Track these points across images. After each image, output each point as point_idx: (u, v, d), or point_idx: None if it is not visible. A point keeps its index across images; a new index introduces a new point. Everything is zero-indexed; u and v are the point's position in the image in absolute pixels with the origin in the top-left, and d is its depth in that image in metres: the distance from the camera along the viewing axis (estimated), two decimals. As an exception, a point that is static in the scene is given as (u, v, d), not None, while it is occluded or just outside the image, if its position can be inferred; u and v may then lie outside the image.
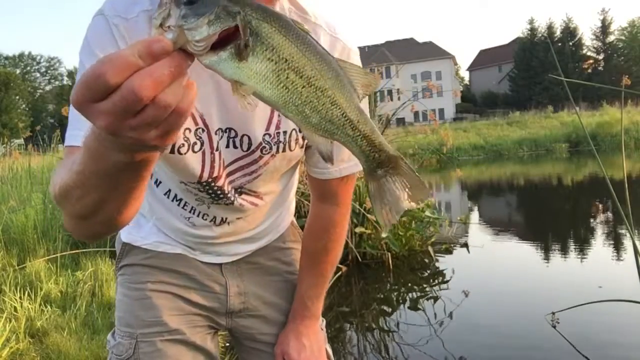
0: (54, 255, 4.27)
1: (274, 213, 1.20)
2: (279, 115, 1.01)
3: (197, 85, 0.99)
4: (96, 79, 0.50)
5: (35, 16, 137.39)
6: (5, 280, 3.65)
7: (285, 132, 1.02)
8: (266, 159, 1.03)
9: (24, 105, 56.75)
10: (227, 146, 1.00)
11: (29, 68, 68.92)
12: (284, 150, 1.04)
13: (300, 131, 1.03)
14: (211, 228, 1.12)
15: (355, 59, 1.07)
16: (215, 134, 0.99)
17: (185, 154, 0.97)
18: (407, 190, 0.71)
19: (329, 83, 0.61)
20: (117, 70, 0.50)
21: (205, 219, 1.10)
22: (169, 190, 1.09)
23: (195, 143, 0.98)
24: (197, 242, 1.15)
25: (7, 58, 68.13)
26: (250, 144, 1.00)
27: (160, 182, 1.09)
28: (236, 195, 1.07)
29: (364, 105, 1.08)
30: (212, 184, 1.03)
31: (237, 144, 1.01)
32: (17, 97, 53.57)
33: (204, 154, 0.99)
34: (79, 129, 0.82)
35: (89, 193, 0.68)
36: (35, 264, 4.10)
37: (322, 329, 1.28)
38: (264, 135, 1.01)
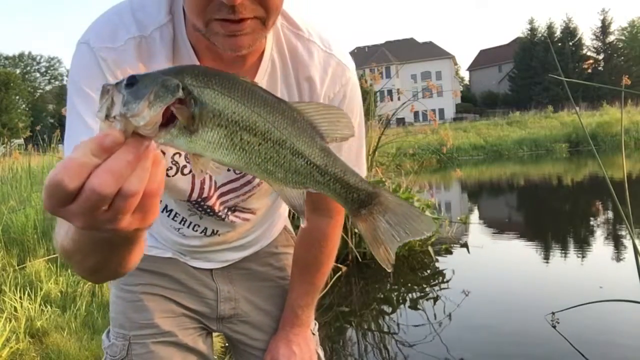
0: (54, 255, 4.26)
1: (265, 222, 1.19)
2: None
3: None
4: (55, 188, 0.50)
5: (36, 16, 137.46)
6: (5, 280, 3.65)
7: None
8: (260, 180, 1.02)
9: (24, 105, 56.68)
10: None
11: (29, 68, 68.87)
12: None
13: None
14: (201, 239, 1.12)
15: (350, 76, 1.03)
16: None
17: (173, 176, 0.97)
18: (403, 225, 0.65)
19: (285, 133, 0.57)
20: (72, 176, 0.49)
21: (196, 230, 1.10)
22: (160, 201, 1.08)
23: (184, 166, 0.97)
24: (186, 250, 1.15)
25: (7, 58, 68.10)
26: None
27: None
28: (228, 213, 1.07)
29: (361, 134, 1.05)
30: (202, 203, 1.03)
31: None
32: (17, 97, 53.50)
33: (194, 176, 0.98)
34: None
35: (88, 257, 0.69)
36: (35, 264, 4.09)
37: (313, 334, 1.27)
38: None
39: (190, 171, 0.97)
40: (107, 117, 0.52)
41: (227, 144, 0.55)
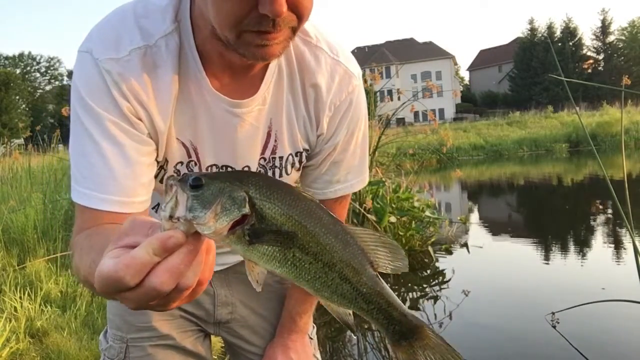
0: (54, 255, 4.26)
1: None
2: (275, 141, 1.00)
3: (191, 119, 0.93)
4: (116, 282, 0.52)
5: (36, 16, 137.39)
6: (5, 280, 3.65)
7: (281, 158, 1.01)
8: None
9: (24, 105, 56.63)
10: None
11: (29, 68, 68.82)
12: (280, 175, 1.02)
13: (296, 155, 1.03)
14: None
15: (357, 84, 1.03)
16: (207, 169, 0.98)
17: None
18: None
19: (336, 257, 0.59)
20: (134, 274, 0.51)
21: None
22: (158, 205, 1.08)
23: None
24: None
25: (7, 58, 68.07)
26: None
27: None
28: None
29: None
30: None
31: None
32: (17, 97, 53.46)
33: None
34: (89, 188, 0.82)
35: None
36: (35, 264, 4.09)
37: (311, 338, 1.26)
38: (260, 159, 1.00)
39: None
40: (170, 217, 0.53)
41: (280, 258, 0.58)
